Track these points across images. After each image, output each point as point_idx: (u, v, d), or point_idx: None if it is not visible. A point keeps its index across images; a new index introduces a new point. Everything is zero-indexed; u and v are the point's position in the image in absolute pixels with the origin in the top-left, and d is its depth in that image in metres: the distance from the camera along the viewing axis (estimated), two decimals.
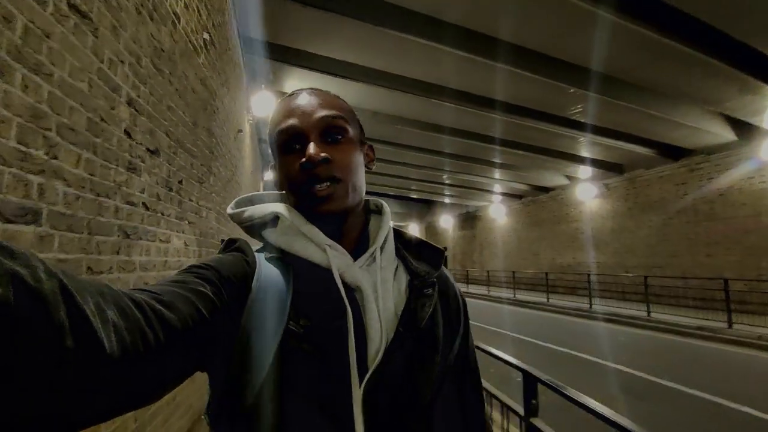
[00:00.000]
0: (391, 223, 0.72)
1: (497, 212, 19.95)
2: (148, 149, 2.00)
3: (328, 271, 0.59)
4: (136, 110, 1.88)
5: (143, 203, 1.94)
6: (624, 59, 6.19)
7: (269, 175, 13.49)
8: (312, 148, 0.59)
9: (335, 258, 0.60)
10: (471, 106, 8.08)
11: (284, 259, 0.62)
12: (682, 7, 4.92)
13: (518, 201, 18.41)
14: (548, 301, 13.25)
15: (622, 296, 11.88)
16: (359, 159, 0.66)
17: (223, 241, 0.64)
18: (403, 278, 0.67)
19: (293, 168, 0.61)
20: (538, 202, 17.11)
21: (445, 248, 25.53)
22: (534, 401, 1.80)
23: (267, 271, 0.59)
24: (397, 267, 0.67)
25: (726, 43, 5.55)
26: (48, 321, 0.28)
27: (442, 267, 0.71)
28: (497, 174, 14.93)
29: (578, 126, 9.24)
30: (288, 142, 0.62)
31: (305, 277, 0.60)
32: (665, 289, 10.80)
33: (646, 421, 3.93)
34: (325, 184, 0.59)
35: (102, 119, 1.58)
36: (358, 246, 0.65)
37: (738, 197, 9.72)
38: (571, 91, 7.18)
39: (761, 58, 5.84)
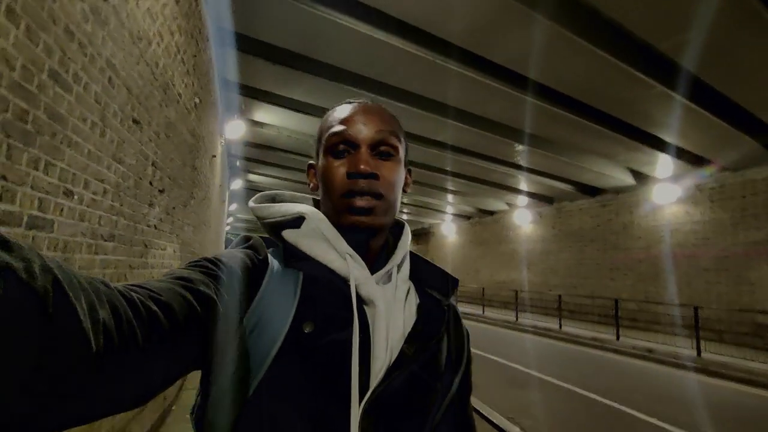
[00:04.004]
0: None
1: (448, 230, 21.54)
2: (159, 190, 3.10)
3: (343, 280, 0.59)
4: (155, 167, 2.99)
5: (154, 225, 3.03)
6: (542, 125, 7.95)
7: (236, 184, 14.39)
8: (363, 160, 0.60)
9: (354, 268, 0.59)
10: (427, 146, 9.61)
11: (298, 262, 0.60)
12: (571, 93, 6.57)
13: (467, 221, 20.06)
14: (483, 313, 14.79)
15: (544, 311, 13.54)
16: (402, 180, 0.66)
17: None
18: (414, 301, 0.66)
19: (338, 173, 0.61)
20: (483, 223, 18.80)
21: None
22: None
23: (278, 271, 0.59)
24: (409, 289, 0.66)
25: (605, 116, 7.24)
26: (36, 317, 0.28)
27: (452, 298, 0.70)
28: (449, 197, 16.49)
29: (515, 166, 10.94)
30: (338, 147, 0.62)
31: (319, 283, 0.59)
32: (578, 306, 12.54)
33: (516, 404, 5.28)
34: (366, 197, 0.59)
35: (140, 178, 2.69)
36: (376, 262, 0.64)
37: (636, 231, 11.61)
38: (516, 147, 8.99)
39: (631, 127, 7.58)
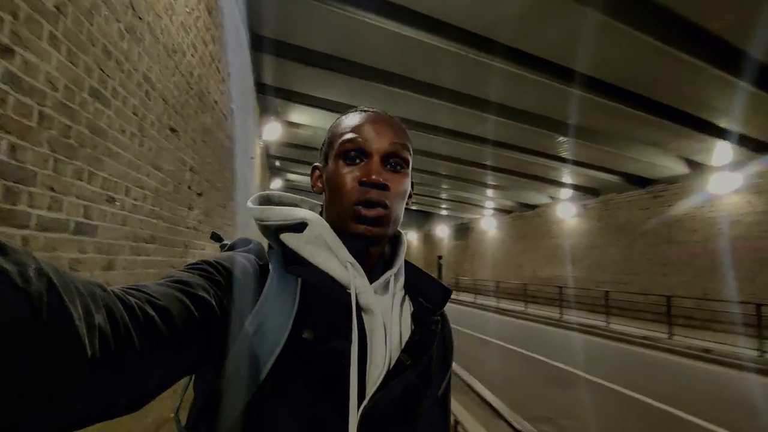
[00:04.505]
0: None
1: (488, 225, 21.14)
2: (197, 193, 3.28)
3: (343, 288, 0.60)
4: (193, 171, 3.16)
5: (194, 227, 3.21)
6: (585, 115, 7.67)
7: (275, 184, 14.85)
8: (375, 170, 0.61)
9: (355, 277, 0.60)
10: (464, 141, 9.50)
11: (297, 268, 0.61)
12: (613, 81, 6.29)
13: (507, 215, 19.59)
14: (526, 310, 14.42)
15: (591, 308, 12.96)
16: (407, 192, 0.67)
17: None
18: (408, 310, 0.67)
19: (348, 179, 0.61)
20: (524, 217, 18.29)
21: (440, 257, 26.39)
22: None
23: (278, 277, 0.59)
24: (404, 297, 0.68)
25: (652, 103, 6.83)
26: (30, 322, 0.28)
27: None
28: (488, 192, 16.19)
29: (557, 158, 10.60)
30: (350, 153, 0.62)
31: (319, 290, 0.59)
32: (628, 303, 11.92)
33: (556, 404, 5.14)
34: (375, 207, 0.60)
35: (179, 183, 2.86)
36: (373, 270, 0.66)
37: (691, 224, 10.87)
38: (558, 138, 8.84)
39: (682, 113, 7.10)
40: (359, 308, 0.60)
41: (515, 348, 8.51)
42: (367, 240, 0.62)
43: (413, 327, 0.64)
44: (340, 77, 6.39)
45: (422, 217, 26.51)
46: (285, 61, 5.99)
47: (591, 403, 5.17)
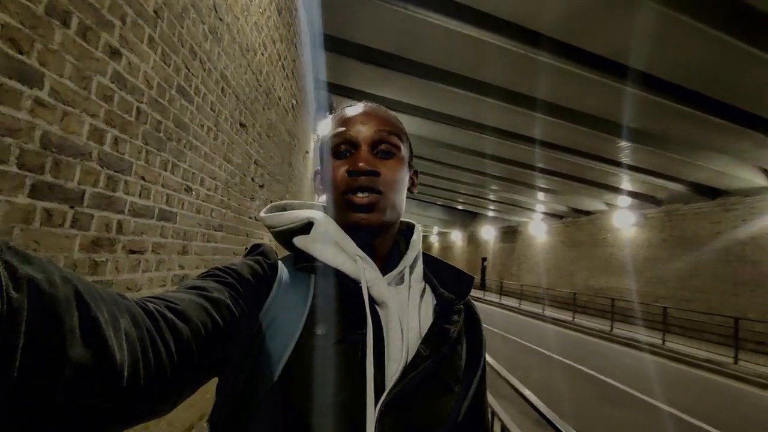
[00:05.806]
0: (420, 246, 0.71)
1: (537, 229, 20.43)
2: (259, 185, 3.44)
3: (355, 282, 0.59)
4: (257, 165, 3.32)
5: (254, 217, 3.38)
6: (648, 118, 7.23)
7: None
8: (362, 157, 0.61)
9: (365, 270, 0.60)
10: (512, 141, 9.26)
11: (309, 267, 0.62)
12: (681, 82, 5.84)
13: (559, 220, 18.82)
14: (573, 320, 13.85)
15: (647, 324, 12.20)
16: (404, 179, 0.66)
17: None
18: (430, 301, 0.66)
19: (339, 172, 0.62)
20: (577, 223, 17.50)
21: (485, 258, 25.81)
22: None
23: (288, 276, 0.61)
24: (424, 289, 0.67)
25: (725, 107, 6.30)
26: (59, 327, 0.28)
27: (469, 297, 0.70)
28: (540, 195, 15.64)
29: (615, 163, 10.04)
30: (340, 147, 0.63)
31: (330, 285, 0.60)
32: (691, 323, 11.11)
33: (609, 423, 4.92)
34: (366, 193, 0.60)
35: (244, 175, 3.02)
36: (387, 263, 0.65)
37: None
38: (618, 143, 8.44)
39: (760, 119, 6.48)
40: (372, 301, 0.59)
41: (563, 359, 8.22)
42: (365, 229, 0.62)
43: (434, 319, 0.63)
44: (398, 75, 6.42)
45: (467, 217, 26.09)
46: (344, 58, 6.11)
47: (643, 423, 4.90)
